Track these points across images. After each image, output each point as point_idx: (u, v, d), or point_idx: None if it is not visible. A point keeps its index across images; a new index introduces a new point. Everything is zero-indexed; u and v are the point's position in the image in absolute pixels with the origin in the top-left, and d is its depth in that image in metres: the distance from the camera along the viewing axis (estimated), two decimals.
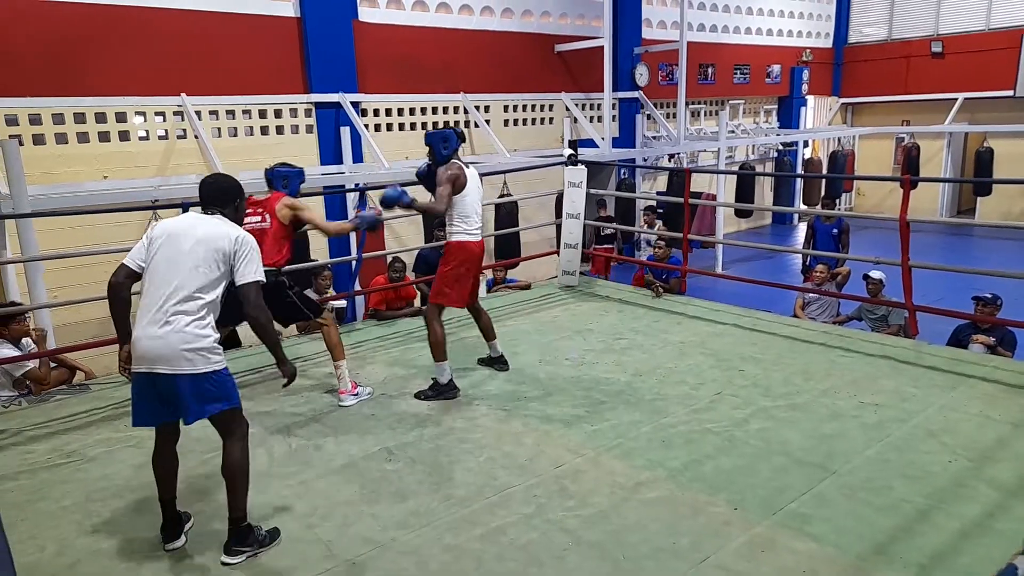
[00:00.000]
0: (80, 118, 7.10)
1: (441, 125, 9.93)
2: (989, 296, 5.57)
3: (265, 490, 3.28)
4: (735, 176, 13.34)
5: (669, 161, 12.80)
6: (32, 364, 4.77)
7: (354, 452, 3.67)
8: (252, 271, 2.74)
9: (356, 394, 4.32)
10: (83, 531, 3.04)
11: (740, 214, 14.32)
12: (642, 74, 12.04)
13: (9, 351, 4.68)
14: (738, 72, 14.32)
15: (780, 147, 15.06)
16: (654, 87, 12.44)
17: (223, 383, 2.70)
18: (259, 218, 4.09)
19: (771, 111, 15.52)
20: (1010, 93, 13.03)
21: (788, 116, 15.61)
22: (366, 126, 8.87)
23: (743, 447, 3.63)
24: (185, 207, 5.01)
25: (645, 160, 11.95)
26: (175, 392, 2.63)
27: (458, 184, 4.24)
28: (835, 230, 8.34)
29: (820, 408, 4.06)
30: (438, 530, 2.97)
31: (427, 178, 4.45)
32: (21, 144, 6.04)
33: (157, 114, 7.57)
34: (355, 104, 8.76)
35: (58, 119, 6.98)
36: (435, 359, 4.33)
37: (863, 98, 16.52)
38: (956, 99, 14.12)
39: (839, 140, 16.13)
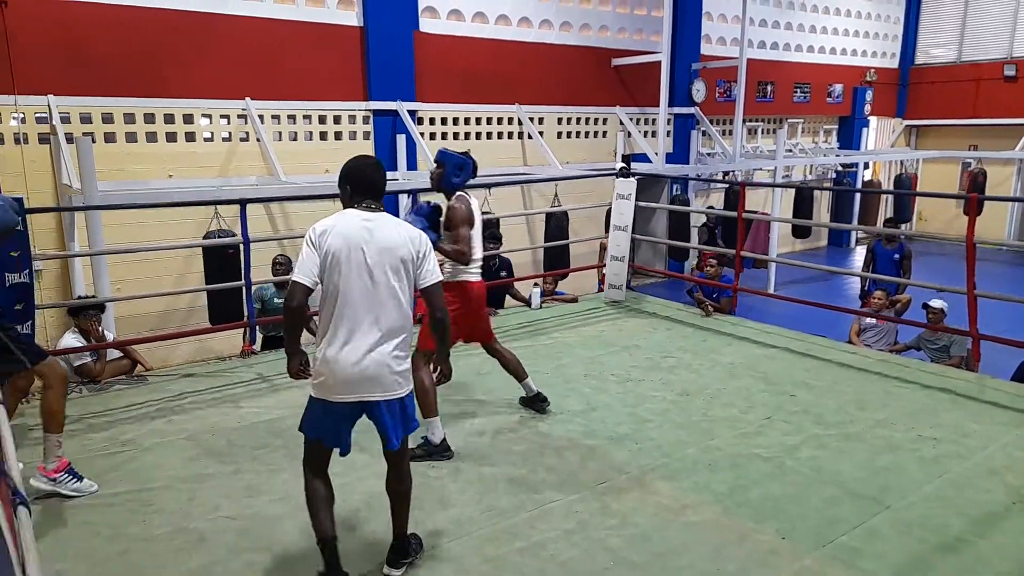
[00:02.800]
0: (150, 118, 7.37)
1: (495, 136, 10.01)
2: None
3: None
4: (792, 194, 13.05)
5: (724, 178, 12.62)
6: (88, 359, 4.96)
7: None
8: (438, 269, 2.72)
9: (55, 479, 3.23)
10: (135, 519, 3.12)
11: (796, 234, 13.99)
12: (699, 90, 11.92)
13: (74, 341, 4.87)
14: (798, 90, 14.04)
15: (839, 168, 14.68)
16: (711, 103, 12.30)
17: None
18: None
19: (831, 131, 15.17)
20: None
21: (849, 137, 15.21)
22: (421, 134, 8.98)
23: (793, 475, 3.53)
24: (243, 204, 5.15)
25: (699, 176, 11.80)
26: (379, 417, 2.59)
27: (470, 221, 3.82)
28: (897, 255, 8.07)
29: (875, 439, 3.92)
30: (478, 540, 2.97)
31: (429, 216, 3.81)
32: (93, 141, 6.31)
33: (222, 117, 7.81)
34: (412, 112, 8.88)
35: (129, 118, 7.26)
36: (423, 415, 3.61)
37: (929, 120, 16.02)
38: None
39: (902, 163, 15.65)
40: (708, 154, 12.26)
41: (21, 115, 6.69)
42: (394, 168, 8.80)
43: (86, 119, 7.04)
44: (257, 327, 5.47)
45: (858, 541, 2.97)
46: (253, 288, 5.38)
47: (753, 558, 2.86)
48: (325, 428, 2.60)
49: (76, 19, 6.79)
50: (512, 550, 2.90)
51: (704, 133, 12.20)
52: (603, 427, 4.07)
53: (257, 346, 5.62)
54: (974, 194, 5.67)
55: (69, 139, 6.63)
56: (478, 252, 3.89)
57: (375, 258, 2.50)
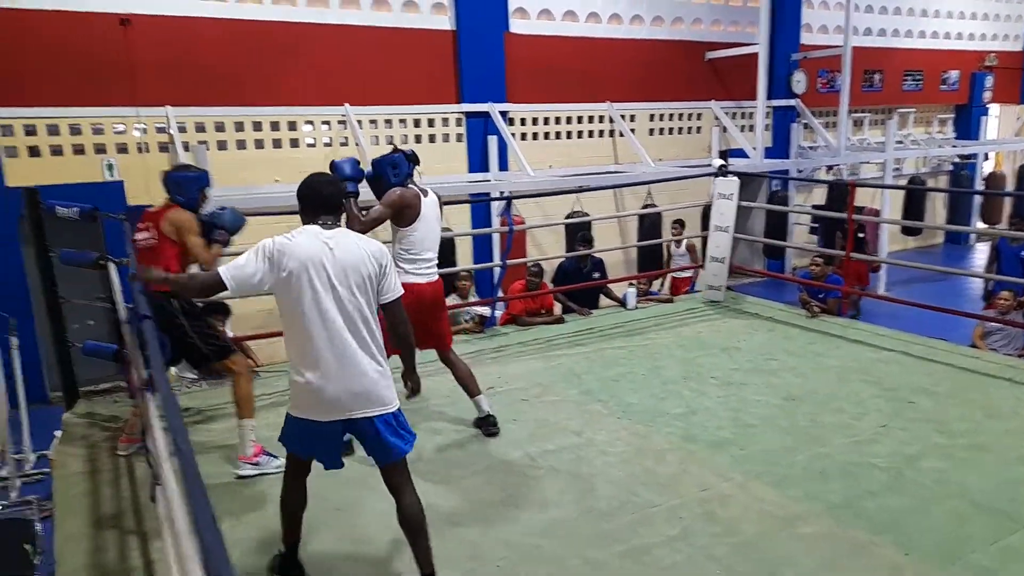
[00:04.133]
0: (257, 126, 7.76)
1: (586, 134, 9.94)
2: None
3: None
4: (902, 191, 12.30)
5: (828, 173, 12.03)
6: None
7: (496, 456, 3.71)
8: (398, 285, 2.61)
9: (257, 463, 3.56)
10: (254, 504, 3.27)
11: (907, 232, 13.17)
12: (799, 81, 11.41)
13: None
14: (909, 78, 13.21)
15: (957, 160, 13.70)
16: (812, 95, 11.75)
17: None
18: (148, 234, 3.55)
19: (947, 120, 14.18)
20: None
21: (967, 126, 14.18)
22: (512, 135, 9.03)
23: (913, 486, 3.30)
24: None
25: (800, 172, 11.30)
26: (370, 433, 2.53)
27: (406, 214, 3.65)
28: None
29: (1006, 450, 3.62)
30: (579, 542, 2.93)
31: (374, 182, 3.78)
32: (207, 149, 6.70)
33: (323, 123, 8.13)
34: (503, 113, 8.95)
35: (239, 127, 7.67)
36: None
37: None
38: None
39: None
40: (810, 147, 11.73)
41: (143, 126, 7.18)
42: (486, 169, 8.89)
43: (200, 128, 7.48)
44: None
45: (992, 560, 2.75)
46: None
47: (872, 573, 2.69)
48: (305, 445, 2.59)
49: (190, 34, 7.23)
50: (613, 553, 2.85)
51: (806, 126, 11.68)
52: (704, 431, 3.95)
53: None
54: None
55: (186, 147, 7.06)
56: (425, 252, 3.73)
57: (340, 276, 2.43)
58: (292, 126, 7.96)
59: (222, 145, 7.60)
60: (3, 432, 5.23)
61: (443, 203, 4.00)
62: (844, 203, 6.08)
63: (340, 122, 8.18)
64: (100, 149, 7.11)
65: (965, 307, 7.78)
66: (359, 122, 8.14)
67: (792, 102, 11.43)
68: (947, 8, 13.61)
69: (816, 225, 11.42)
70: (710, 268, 6.71)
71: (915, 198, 12.24)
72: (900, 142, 12.37)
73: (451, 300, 6.40)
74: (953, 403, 4.22)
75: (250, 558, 2.87)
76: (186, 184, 3.64)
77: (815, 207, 11.70)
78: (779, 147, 11.48)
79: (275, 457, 3.54)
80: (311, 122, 8.08)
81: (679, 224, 8.29)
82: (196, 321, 3.61)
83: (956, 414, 4.06)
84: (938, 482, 3.34)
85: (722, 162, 6.96)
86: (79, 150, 7.04)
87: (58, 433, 4.08)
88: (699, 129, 10.93)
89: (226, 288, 2.46)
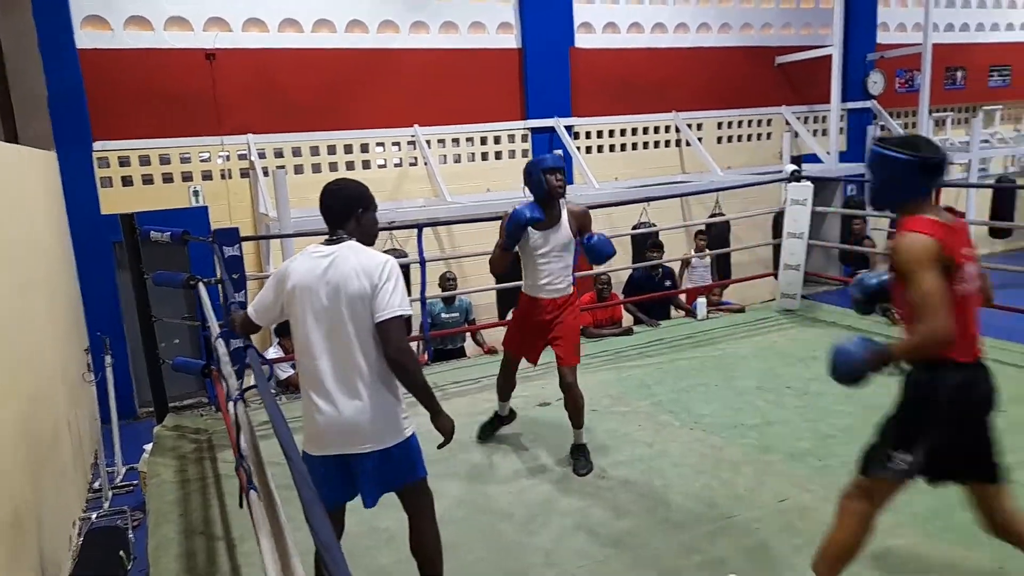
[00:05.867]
0: (331, 150, 8.06)
1: (651, 145, 9.87)
2: None
3: (484, 492, 3.43)
4: (989, 191, 11.67)
5: None
6: (292, 371, 5.49)
7: (566, 464, 3.71)
8: (397, 302, 2.23)
9: None
10: None
11: (995, 234, 12.47)
12: (876, 82, 11.03)
13: (277, 355, 5.41)
14: (995, 74, 12.56)
15: None
16: (890, 95, 11.32)
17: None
18: None
19: None
20: None
21: None
22: (578, 148, 9.07)
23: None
24: (420, 228, 5.46)
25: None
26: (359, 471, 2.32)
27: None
28: None
29: None
30: (654, 553, 2.91)
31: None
32: (286, 173, 7.01)
33: (393, 144, 8.38)
34: (568, 128, 9.00)
35: (314, 151, 7.99)
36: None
37: None
38: None
39: None
40: None
41: (226, 153, 7.58)
42: None
43: (279, 154, 7.83)
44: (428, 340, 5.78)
45: None
46: (427, 304, 5.69)
47: None
48: (318, 484, 2.32)
49: (268, 63, 7.61)
50: (690, 564, 2.82)
51: (883, 128, 11.26)
52: (781, 442, 3.85)
53: (429, 358, 5.92)
54: None
55: (265, 172, 7.41)
56: (535, 269, 3.65)
57: (332, 297, 2.22)
58: (364, 148, 8.23)
59: (299, 169, 7.93)
60: (97, 445, 5.57)
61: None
62: None
63: (409, 143, 8.41)
64: (187, 177, 7.53)
65: None
66: (427, 142, 8.35)
67: (868, 104, 11.05)
68: None
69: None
70: (784, 276, 6.55)
71: (1003, 198, 11.58)
72: (986, 141, 11.75)
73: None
74: None
75: None
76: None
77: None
78: (855, 151, 11.08)
79: None
80: (382, 144, 8.33)
81: (703, 235, 8.11)
82: None
83: None
84: None
85: (795, 167, 6.81)
86: (168, 178, 7.48)
87: (148, 446, 4.30)
88: (769, 135, 10.70)
89: (251, 319, 2.46)
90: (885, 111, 11.04)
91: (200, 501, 3.61)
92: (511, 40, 8.74)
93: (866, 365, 2.27)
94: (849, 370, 2.31)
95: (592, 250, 3.66)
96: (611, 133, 9.60)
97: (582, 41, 9.14)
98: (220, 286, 4.31)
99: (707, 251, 7.98)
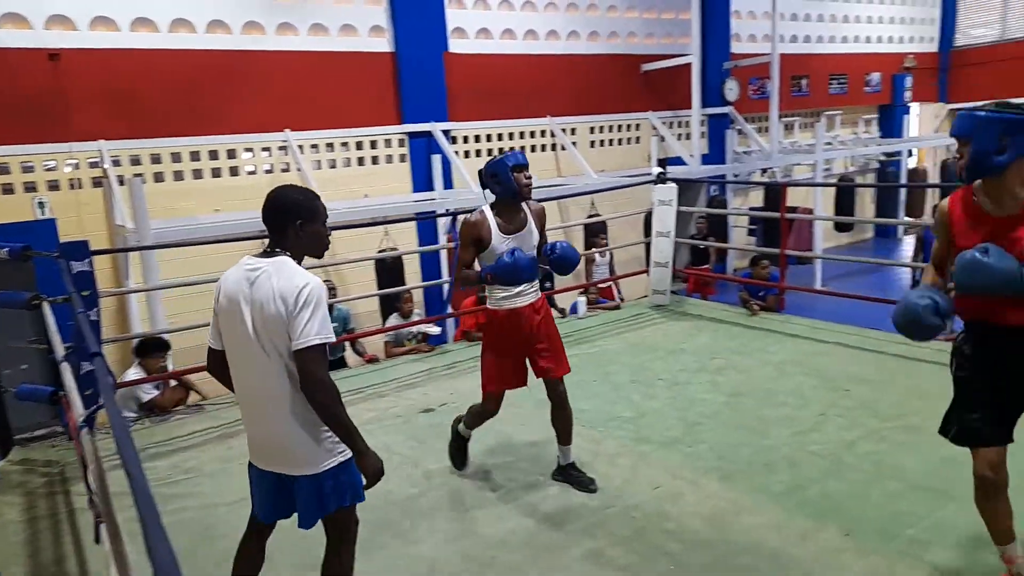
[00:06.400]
0: (195, 156, 7.64)
1: (528, 149, 10.06)
2: None
3: (370, 505, 3.37)
4: (833, 189, 12.81)
5: (762, 175, 12.44)
6: (155, 392, 5.14)
7: (451, 474, 3.72)
8: (314, 330, 2.05)
9: None
10: (202, 542, 3.22)
11: (840, 228, 13.71)
12: (732, 89, 11.80)
13: (138, 376, 5.05)
14: (834, 82, 13.79)
15: (882, 157, 14.34)
16: (745, 101, 12.16)
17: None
18: None
19: (871, 120, 14.83)
20: None
21: (890, 125, 14.86)
22: (456, 153, 9.10)
23: (852, 471, 3.45)
24: None
25: (736, 176, 11.66)
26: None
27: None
28: None
29: (936, 430, 3.79)
30: (536, 550, 2.97)
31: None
32: (143, 182, 6.58)
33: (264, 150, 8.06)
34: (445, 132, 9.01)
35: (176, 158, 7.54)
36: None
37: (973, 103, 15.50)
38: None
39: (948, 148, 15.19)
40: (745, 152, 12.12)
41: (75, 162, 7.01)
42: (431, 188, 8.93)
43: (136, 161, 7.33)
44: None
45: (927, 535, 2.89)
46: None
47: (818, 557, 2.80)
48: (257, 496, 2.35)
49: (120, 65, 7.10)
50: (572, 558, 2.90)
51: (739, 132, 12.07)
52: (654, 432, 4.04)
53: None
54: None
55: (121, 181, 6.92)
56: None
57: (255, 314, 2.09)
58: (231, 154, 7.87)
59: (159, 177, 7.46)
60: None
61: (386, 221, 3.99)
62: (779, 204, 6.32)
63: (281, 148, 8.12)
64: (30, 187, 6.90)
65: (896, 297, 8.10)
66: (300, 147, 8.10)
67: (726, 109, 11.81)
68: (867, 14, 14.29)
69: (754, 227, 11.79)
70: (654, 273, 6.87)
71: (845, 196, 12.78)
72: (829, 143, 12.88)
73: (392, 320, 6.42)
74: (886, 389, 4.42)
75: None
76: None
77: (752, 209, 12.08)
78: (715, 153, 11.83)
79: None
80: (251, 149, 8.00)
81: (603, 235, 8.54)
82: None
83: (890, 399, 4.25)
84: (875, 464, 3.50)
85: (660, 170, 7.17)
86: (8, 189, 6.82)
87: None
88: (638, 139, 11.19)
89: (216, 349, 2.29)
90: (741, 116, 11.84)
91: (51, 539, 3.32)
92: (384, 44, 8.64)
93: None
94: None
95: (559, 262, 3.36)
96: (488, 137, 9.70)
97: (456, 46, 9.18)
98: (70, 304, 3.97)
99: (607, 249, 8.38)
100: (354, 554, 2.35)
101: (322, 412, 2.10)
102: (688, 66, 10.20)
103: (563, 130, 10.11)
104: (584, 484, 3.43)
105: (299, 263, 2.18)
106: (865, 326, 5.77)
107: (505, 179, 3.22)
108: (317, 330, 2.05)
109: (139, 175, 7.02)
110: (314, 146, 8.36)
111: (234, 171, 7.89)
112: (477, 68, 9.37)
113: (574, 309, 6.85)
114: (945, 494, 3.17)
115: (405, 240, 8.44)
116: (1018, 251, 2.22)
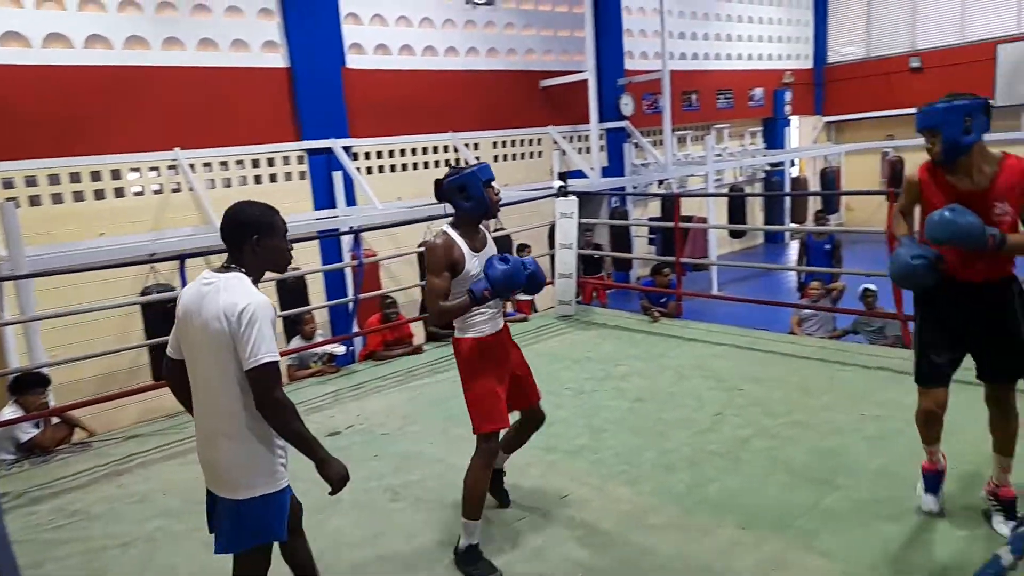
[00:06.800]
0: (75, 178, 7.20)
1: (432, 165, 10.06)
2: None
3: None
4: (726, 198, 13.48)
5: (659, 187, 12.95)
6: (34, 431, 4.77)
7: (358, 495, 3.65)
8: (262, 349, 2.06)
9: None
10: None
11: (733, 235, 14.44)
12: (627, 104, 12.24)
13: (15, 415, 4.67)
14: (721, 97, 14.56)
15: (768, 167, 15.25)
16: (640, 116, 12.64)
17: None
18: None
19: (756, 133, 15.75)
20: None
21: (773, 137, 15.84)
22: (358, 169, 8.99)
23: (747, 467, 3.63)
24: (182, 259, 5.09)
25: (635, 188, 12.08)
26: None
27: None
28: (827, 246, 8.41)
29: (821, 423, 4.06)
30: (448, 569, 2.96)
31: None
32: (18, 206, 6.13)
33: (151, 169, 7.68)
34: (346, 148, 8.89)
35: (54, 179, 7.07)
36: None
37: (846, 116, 16.77)
38: None
39: (826, 158, 16.32)
40: (642, 165, 12.58)
41: None
42: (333, 205, 8.77)
43: (8, 184, 6.83)
44: None
45: (815, 523, 3.07)
46: None
47: (717, 552, 2.92)
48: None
49: None
50: None
51: (636, 145, 12.52)
52: (561, 441, 4.11)
53: None
54: (891, 189, 5.98)
55: None
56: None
57: (201, 334, 2.11)
58: (116, 175, 7.46)
59: (35, 200, 6.98)
60: None
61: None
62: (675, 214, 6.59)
63: (171, 167, 7.77)
64: None
65: (784, 299, 8.63)
66: (192, 166, 7.78)
67: (622, 124, 12.23)
68: (748, 33, 15.19)
69: (654, 236, 12.25)
70: (559, 284, 7.01)
71: (736, 205, 13.49)
72: (719, 155, 13.57)
73: (295, 343, 6.26)
74: (776, 387, 4.68)
75: None
76: None
77: (651, 219, 12.55)
78: (615, 166, 12.22)
79: None
80: (137, 169, 7.61)
81: (526, 248, 8.61)
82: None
83: (779, 396, 4.50)
84: (768, 460, 3.69)
85: (561, 183, 7.33)
86: None
87: None
88: (540, 154, 11.41)
89: (173, 358, 2.28)
90: (637, 130, 12.29)
91: None
92: (278, 59, 8.44)
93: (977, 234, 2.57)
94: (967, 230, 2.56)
95: (534, 278, 3.00)
96: (391, 153, 9.64)
97: (354, 62, 9.09)
98: None
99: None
100: None
101: (279, 429, 2.13)
102: (585, 82, 10.50)
103: (466, 145, 10.18)
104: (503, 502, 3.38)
105: (258, 279, 2.20)
106: (757, 327, 6.10)
107: (477, 194, 2.87)
108: (265, 350, 2.05)
109: (12, 199, 6.53)
110: (207, 165, 8.05)
111: (119, 192, 7.48)
112: (377, 84, 9.31)
113: None
114: (830, 483, 3.38)
115: (307, 259, 8.24)
116: (993, 218, 2.63)
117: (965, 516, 3.00)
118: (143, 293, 6.68)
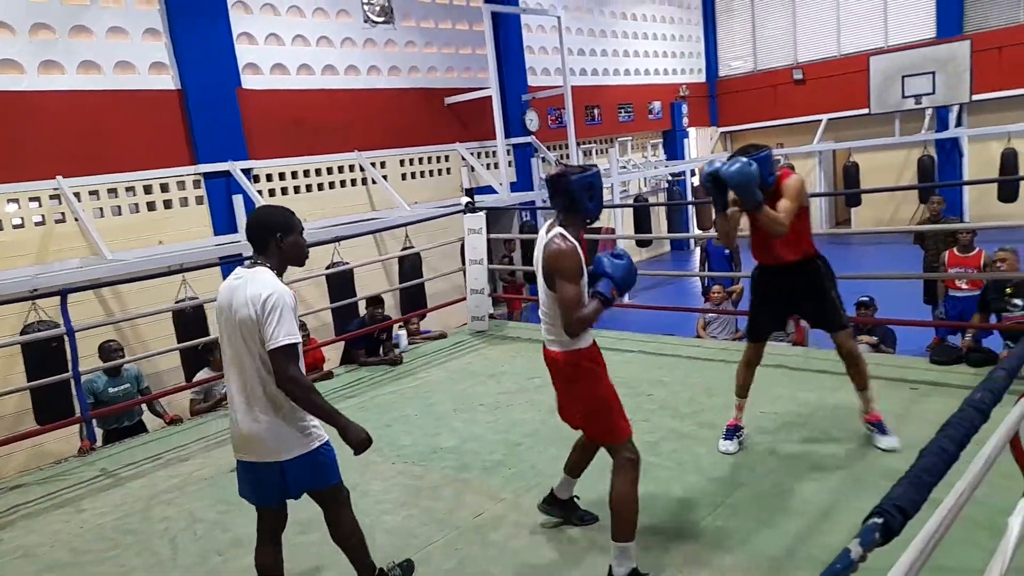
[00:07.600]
0: None
1: (338, 184, 9.88)
2: (867, 299, 5.98)
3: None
4: (631, 208, 13.88)
5: None
6: None
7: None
8: (282, 333, 2.37)
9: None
10: None
11: (640, 244, 14.87)
12: (532, 119, 12.43)
13: None
14: (622, 111, 15.02)
15: (669, 178, 15.82)
16: (545, 131, 12.86)
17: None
18: None
19: (657, 145, 16.31)
20: (866, 111, 14.22)
21: (673, 148, 16.45)
22: (260, 192, 8.73)
23: (657, 470, 3.71)
24: (63, 294, 4.79)
25: (545, 202, 12.26)
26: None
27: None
28: (727, 251, 8.75)
29: (725, 422, 4.20)
30: None
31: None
32: None
33: (32, 200, 7.20)
34: (246, 171, 8.61)
35: None
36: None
37: (738, 126, 17.63)
38: (821, 120, 15.29)
39: None
40: None
41: None
42: (234, 230, 8.47)
43: None
44: (94, 421, 5.07)
45: (722, 520, 3.17)
46: (83, 380, 4.98)
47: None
48: (240, 486, 2.65)
49: None
50: None
51: (543, 159, 12.73)
52: (476, 458, 4.09)
53: (98, 442, 5.17)
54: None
55: None
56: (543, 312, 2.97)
57: (233, 323, 2.46)
58: None
59: None
60: None
61: (184, 269, 3.70)
62: None
63: (53, 197, 7.30)
64: None
65: (691, 304, 8.92)
66: (77, 195, 7.33)
67: (528, 139, 12.41)
68: (644, 49, 15.76)
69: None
70: (472, 300, 7.01)
71: (642, 214, 13.92)
72: (624, 167, 13.98)
73: (203, 374, 5.99)
74: (682, 389, 4.82)
75: None
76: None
77: None
78: (523, 181, 12.37)
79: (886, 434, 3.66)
80: (16, 200, 7.11)
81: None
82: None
83: (685, 398, 4.64)
84: (676, 462, 3.79)
85: (468, 199, 7.35)
86: None
87: None
88: (449, 171, 11.41)
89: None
90: (543, 145, 12.50)
91: None
92: (168, 81, 8.10)
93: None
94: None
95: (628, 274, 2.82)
96: (294, 175, 9.42)
97: (250, 82, 8.84)
98: None
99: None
100: (352, 513, 2.77)
101: (299, 402, 2.45)
102: (488, 98, 10.60)
103: (372, 164, 10.06)
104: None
105: (282, 273, 2.55)
106: (665, 332, 6.29)
107: (600, 198, 2.75)
108: (284, 333, 2.38)
109: None
110: (93, 193, 7.62)
111: None
112: (276, 104, 9.09)
113: (396, 341, 6.79)
114: (734, 481, 3.51)
115: (209, 287, 7.90)
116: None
117: (858, 504, 3.17)
118: (24, 332, 6.23)
